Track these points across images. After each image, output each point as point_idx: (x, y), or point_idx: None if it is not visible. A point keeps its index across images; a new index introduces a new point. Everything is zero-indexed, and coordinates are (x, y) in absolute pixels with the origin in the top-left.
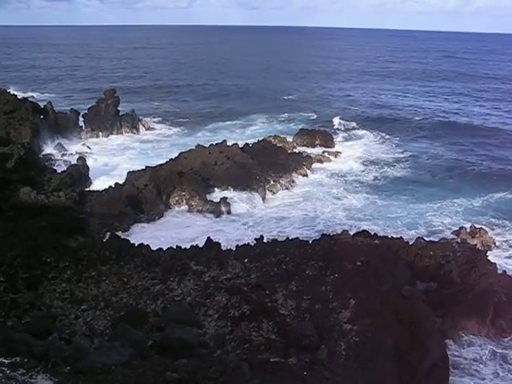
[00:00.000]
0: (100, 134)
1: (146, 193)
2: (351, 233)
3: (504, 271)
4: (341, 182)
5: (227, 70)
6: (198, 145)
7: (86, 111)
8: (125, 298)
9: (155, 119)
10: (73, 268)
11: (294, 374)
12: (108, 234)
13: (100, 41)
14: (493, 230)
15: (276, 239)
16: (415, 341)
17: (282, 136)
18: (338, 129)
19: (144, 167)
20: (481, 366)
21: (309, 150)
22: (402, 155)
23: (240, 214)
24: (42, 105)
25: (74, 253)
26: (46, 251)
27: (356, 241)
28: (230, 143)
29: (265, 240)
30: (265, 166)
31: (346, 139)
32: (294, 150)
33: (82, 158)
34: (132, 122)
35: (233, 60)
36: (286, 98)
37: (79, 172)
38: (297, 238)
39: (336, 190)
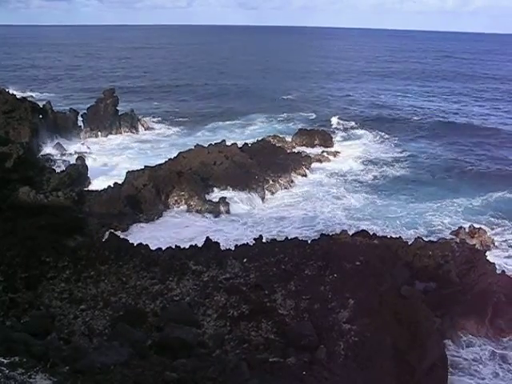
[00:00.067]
0: (99, 133)
1: (145, 193)
2: (350, 233)
3: (503, 271)
4: (340, 181)
5: (226, 70)
6: (197, 144)
7: (85, 111)
8: (124, 298)
9: (154, 119)
10: (72, 268)
11: (292, 373)
12: (107, 233)
13: (99, 40)
14: (492, 229)
15: (275, 239)
16: (414, 341)
17: (281, 136)
18: (337, 128)
19: (143, 167)
20: (480, 366)
21: (308, 150)
22: (401, 155)
23: (239, 213)
24: (41, 104)
25: (73, 252)
26: (45, 251)
27: (355, 241)
28: (229, 143)
29: (264, 240)
30: (264, 165)
31: (345, 139)
32: (293, 150)
33: (81, 158)
34: (131, 122)
35: (232, 60)
36: (285, 97)
37: (78, 172)
38: (296, 238)
39: (335, 189)
